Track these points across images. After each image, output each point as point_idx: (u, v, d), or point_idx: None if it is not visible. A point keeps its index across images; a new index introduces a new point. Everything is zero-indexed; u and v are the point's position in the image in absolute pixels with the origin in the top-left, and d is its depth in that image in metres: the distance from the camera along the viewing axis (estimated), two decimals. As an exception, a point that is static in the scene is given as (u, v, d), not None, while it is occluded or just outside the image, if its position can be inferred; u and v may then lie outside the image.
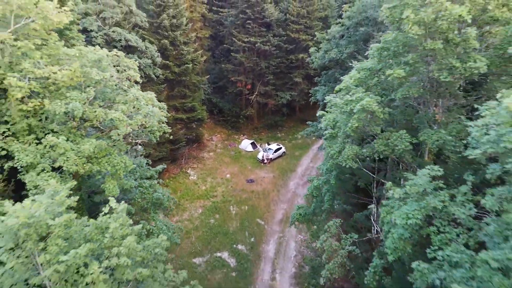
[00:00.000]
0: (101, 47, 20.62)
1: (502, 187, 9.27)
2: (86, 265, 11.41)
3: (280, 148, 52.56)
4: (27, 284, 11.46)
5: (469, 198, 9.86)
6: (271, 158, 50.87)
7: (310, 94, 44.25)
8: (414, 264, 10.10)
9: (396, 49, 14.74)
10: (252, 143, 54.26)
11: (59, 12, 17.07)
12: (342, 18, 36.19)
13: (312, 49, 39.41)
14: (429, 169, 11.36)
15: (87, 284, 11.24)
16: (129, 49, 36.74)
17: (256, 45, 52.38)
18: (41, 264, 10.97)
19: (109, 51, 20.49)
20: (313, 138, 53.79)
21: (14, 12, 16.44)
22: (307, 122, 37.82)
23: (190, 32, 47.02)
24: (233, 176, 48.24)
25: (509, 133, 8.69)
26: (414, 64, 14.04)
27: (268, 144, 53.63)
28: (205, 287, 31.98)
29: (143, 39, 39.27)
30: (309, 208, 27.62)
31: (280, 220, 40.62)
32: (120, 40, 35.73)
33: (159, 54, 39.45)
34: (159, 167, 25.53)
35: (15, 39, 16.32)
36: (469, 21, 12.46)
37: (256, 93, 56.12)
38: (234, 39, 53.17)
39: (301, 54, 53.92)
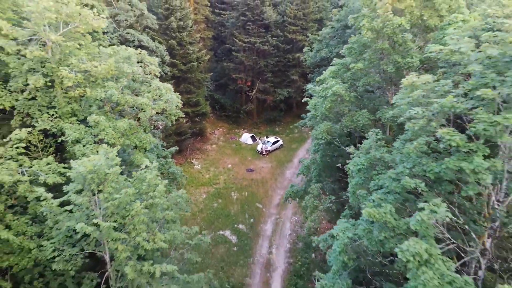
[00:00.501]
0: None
1: (404, 134, 13.85)
2: (130, 204, 15.95)
3: (278, 141, 57.02)
4: (88, 218, 16.04)
5: (400, 152, 14.31)
6: (269, 150, 55.30)
7: (305, 90, 48.74)
8: (358, 191, 14.63)
9: (359, 48, 19.39)
10: (252, 137, 58.70)
11: (97, 19, 21.63)
12: (332, 21, 40.78)
13: (305, 49, 44.01)
14: (373, 132, 15.99)
15: (131, 216, 15.80)
16: (141, 49, 41.17)
17: (256, 45, 56.86)
18: (100, 201, 15.53)
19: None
20: (310, 132, 58.40)
21: (63, 19, 21.00)
22: (301, 115, 42.33)
23: (195, 33, 51.49)
24: (234, 166, 52.73)
25: (406, 99, 13.26)
26: (370, 59, 18.71)
27: (267, 137, 58.10)
28: (210, 260, 36.61)
29: (153, 40, 43.79)
30: (301, 187, 32.19)
31: (277, 204, 45.13)
32: (133, 40, 40.22)
33: (167, 53, 43.98)
34: (172, 149, 30.10)
35: (64, 41, 20.86)
36: (408, 28, 17.13)
37: (256, 90, 60.62)
38: (235, 39, 57.65)
39: (297, 54, 58.33)
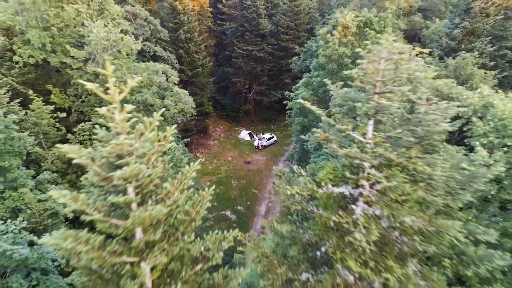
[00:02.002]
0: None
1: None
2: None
3: (272, 137, 65.68)
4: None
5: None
6: (264, 145, 63.97)
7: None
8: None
9: (319, 67, 28.18)
10: (249, 133, 67.36)
11: (135, 43, 30.33)
12: (316, 36, 49.44)
13: (294, 58, 52.70)
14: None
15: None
16: (155, 58, 49.85)
17: (253, 52, 65.55)
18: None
19: (150, 61, 33.74)
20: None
21: (110, 43, 29.67)
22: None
23: (200, 41, 60.12)
24: (234, 159, 61.39)
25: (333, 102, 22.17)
26: (325, 75, 27.49)
27: (263, 134, 66.74)
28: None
29: (165, 50, 52.45)
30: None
31: (270, 190, 53.79)
32: (149, 51, 48.86)
33: (176, 61, 52.60)
34: (185, 140, 38.81)
35: (112, 59, 29.51)
36: (349, 54, 25.83)
37: (253, 92, 69.29)
38: (234, 47, 66.33)
39: (290, 60, 66.75)
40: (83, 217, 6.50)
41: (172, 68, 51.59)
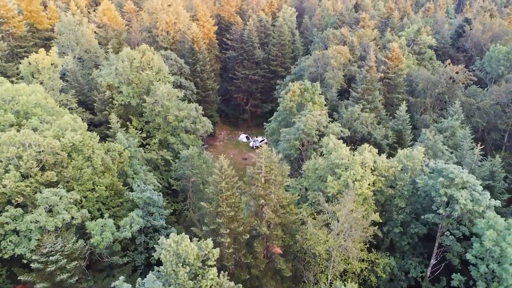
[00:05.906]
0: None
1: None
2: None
3: (264, 139, 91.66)
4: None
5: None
6: (258, 146, 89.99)
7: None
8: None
9: (281, 112, 54.67)
10: (247, 136, 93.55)
11: (179, 92, 56.52)
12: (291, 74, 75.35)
13: (277, 86, 78.53)
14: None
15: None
16: (180, 86, 75.49)
17: (249, 76, 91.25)
18: (192, 160, 50.78)
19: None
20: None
21: (167, 94, 55.68)
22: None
23: (210, 71, 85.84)
24: (235, 155, 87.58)
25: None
26: (283, 116, 53.59)
27: (257, 137, 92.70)
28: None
29: (186, 79, 78.22)
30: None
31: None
32: (176, 82, 74.54)
33: (195, 87, 78.41)
34: (205, 146, 64.85)
35: (167, 102, 55.48)
36: (295, 105, 51.79)
37: (249, 104, 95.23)
38: (235, 71, 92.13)
39: (278, 80, 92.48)
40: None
41: (192, 93, 77.76)
